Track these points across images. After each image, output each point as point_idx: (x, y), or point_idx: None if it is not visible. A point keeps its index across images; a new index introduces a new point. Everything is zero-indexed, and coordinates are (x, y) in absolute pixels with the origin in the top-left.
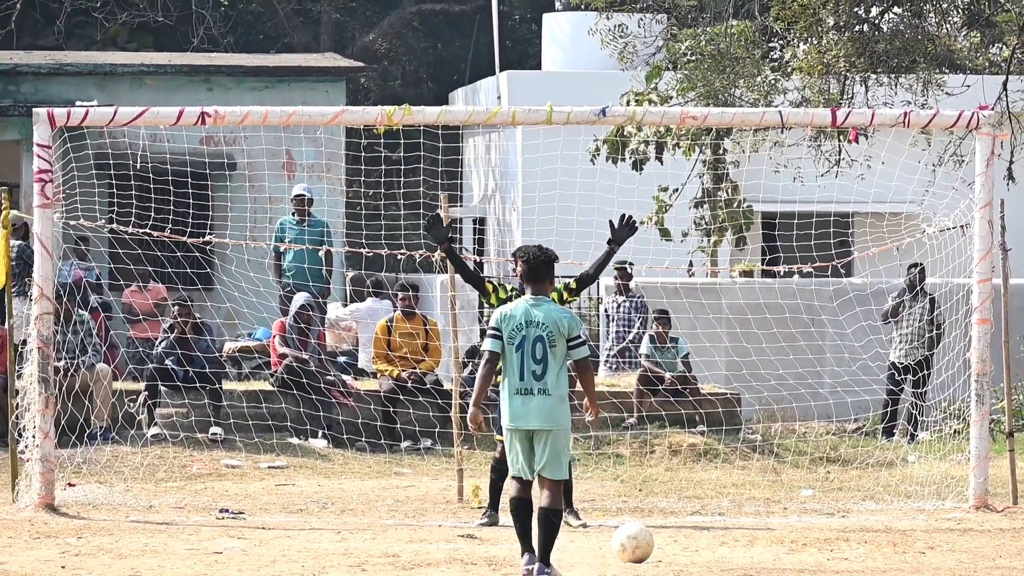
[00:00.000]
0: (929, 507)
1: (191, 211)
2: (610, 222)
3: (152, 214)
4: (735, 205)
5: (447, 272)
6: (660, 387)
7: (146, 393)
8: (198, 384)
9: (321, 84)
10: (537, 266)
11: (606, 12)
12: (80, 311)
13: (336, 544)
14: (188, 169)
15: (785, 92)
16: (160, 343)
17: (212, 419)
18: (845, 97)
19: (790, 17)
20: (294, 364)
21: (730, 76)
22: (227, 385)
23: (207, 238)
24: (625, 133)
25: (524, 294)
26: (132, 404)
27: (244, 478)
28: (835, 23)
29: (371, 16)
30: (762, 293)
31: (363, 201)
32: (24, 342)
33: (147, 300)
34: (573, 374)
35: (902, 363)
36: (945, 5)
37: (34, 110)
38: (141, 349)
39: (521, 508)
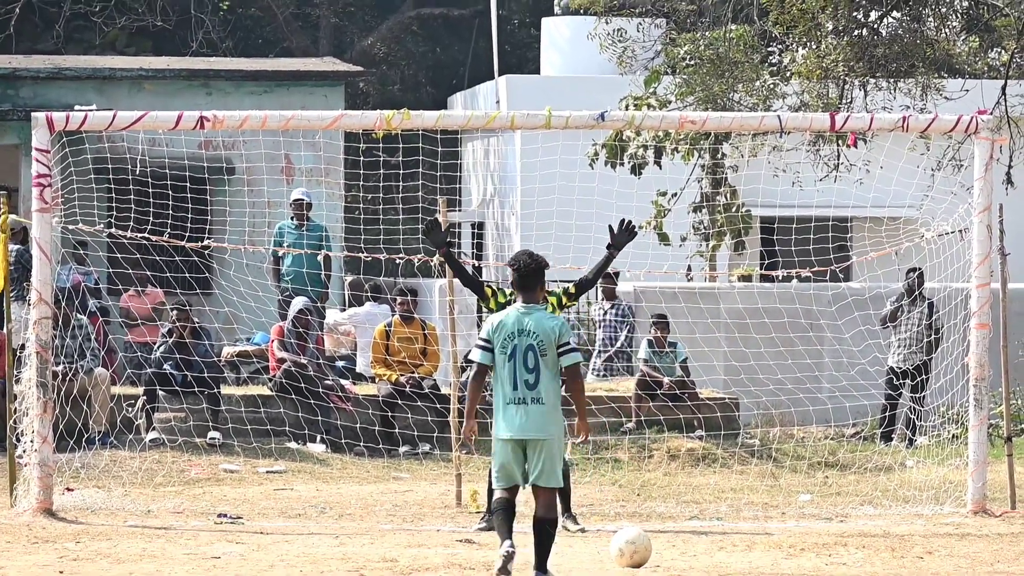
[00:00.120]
0: (927, 512)
1: (190, 215)
2: (609, 227)
3: (151, 218)
4: (734, 209)
5: (446, 276)
6: (658, 392)
7: (144, 398)
8: (196, 389)
9: (320, 88)
10: (528, 274)
11: (605, 16)
12: (79, 315)
13: (334, 549)
14: (187, 173)
15: (784, 96)
16: (158, 348)
17: (210, 424)
18: (844, 101)
19: (789, 22)
20: (292, 369)
21: (729, 80)
22: (225, 390)
23: (205, 243)
24: (624, 137)
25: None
26: (130, 409)
27: (242, 483)
28: (834, 27)
29: (370, 20)
30: (761, 298)
31: (362, 205)
32: (23, 346)
33: (145, 304)
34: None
35: (900, 368)
36: (944, 10)
37: (33, 114)
38: (139, 354)
39: (506, 507)
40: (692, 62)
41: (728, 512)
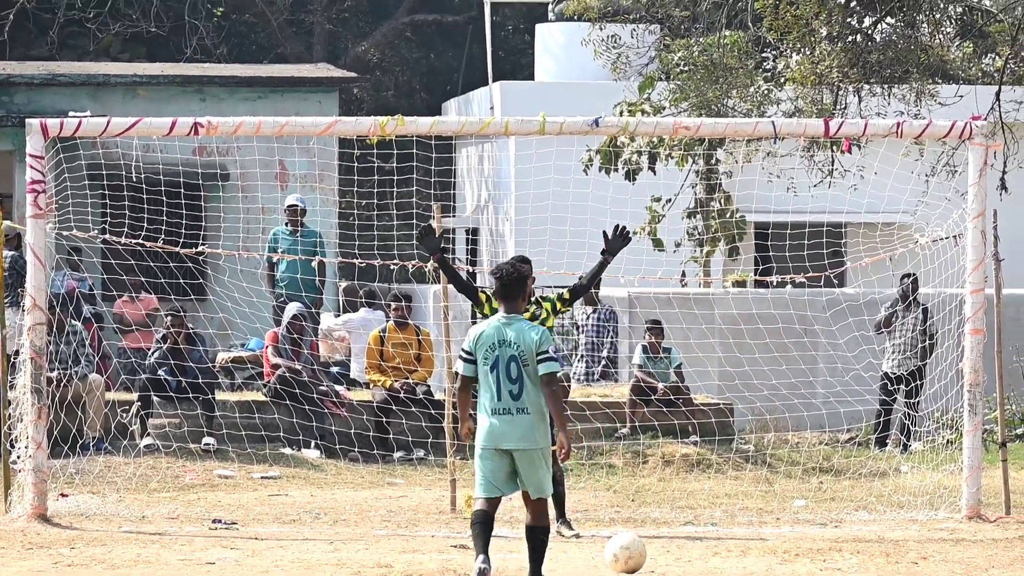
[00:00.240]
0: (922, 517)
1: (184, 221)
2: (603, 232)
3: (145, 224)
4: (728, 215)
5: (440, 282)
6: (653, 397)
7: (139, 403)
8: (191, 394)
9: (314, 94)
10: (509, 283)
11: (599, 23)
12: (73, 321)
13: (329, 554)
14: (181, 180)
15: (778, 102)
16: (153, 353)
17: (205, 429)
18: (838, 107)
19: (783, 28)
20: (287, 374)
21: (723, 86)
22: (220, 395)
23: (200, 248)
24: (618, 143)
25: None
26: (125, 414)
27: (237, 488)
28: (828, 33)
29: (364, 27)
30: (755, 303)
31: (356, 211)
32: (17, 353)
33: (140, 310)
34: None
35: (895, 373)
36: (938, 16)
37: (27, 121)
38: (134, 359)
39: (484, 520)
40: (686, 68)
41: (723, 518)
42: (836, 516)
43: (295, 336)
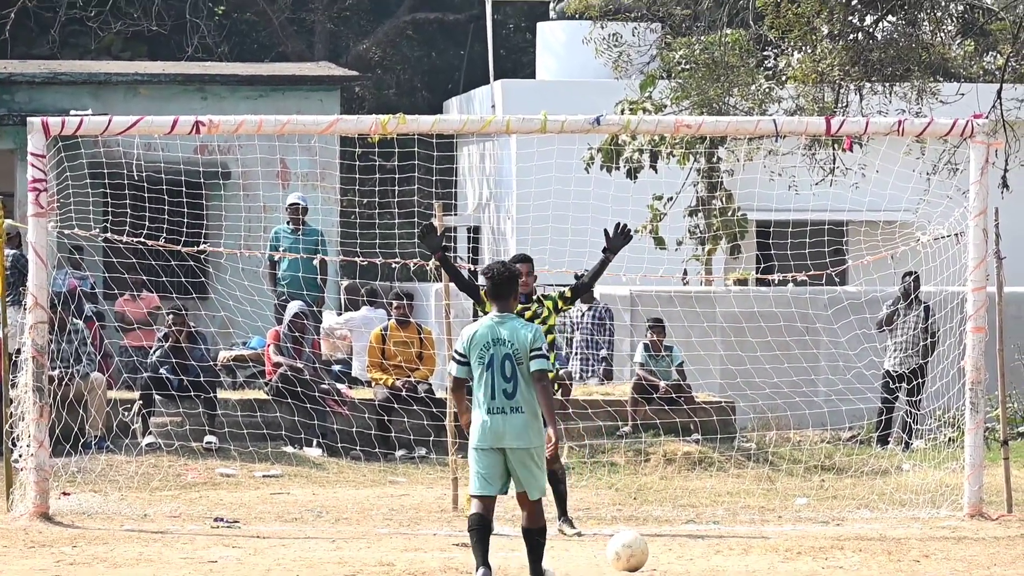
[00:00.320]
0: (924, 515)
1: (186, 220)
2: (605, 231)
3: (146, 223)
4: (729, 214)
5: (441, 281)
6: (655, 395)
7: (141, 402)
8: (193, 393)
9: (315, 93)
10: (501, 283)
11: (600, 21)
12: (75, 320)
13: (331, 553)
14: (183, 178)
15: (779, 101)
16: (155, 352)
17: (207, 428)
18: (839, 106)
19: (784, 26)
20: (289, 373)
21: (724, 85)
22: (222, 394)
23: (202, 247)
24: (619, 142)
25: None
26: (127, 413)
27: (239, 487)
28: (829, 32)
29: (365, 25)
30: (756, 301)
31: (358, 210)
32: (19, 351)
33: (141, 309)
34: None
35: (897, 371)
36: (939, 14)
37: (29, 119)
38: (135, 358)
39: (481, 526)
40: (687, 66)
41: (724, 516)
42: (838, 514)
43: (297, 335)
